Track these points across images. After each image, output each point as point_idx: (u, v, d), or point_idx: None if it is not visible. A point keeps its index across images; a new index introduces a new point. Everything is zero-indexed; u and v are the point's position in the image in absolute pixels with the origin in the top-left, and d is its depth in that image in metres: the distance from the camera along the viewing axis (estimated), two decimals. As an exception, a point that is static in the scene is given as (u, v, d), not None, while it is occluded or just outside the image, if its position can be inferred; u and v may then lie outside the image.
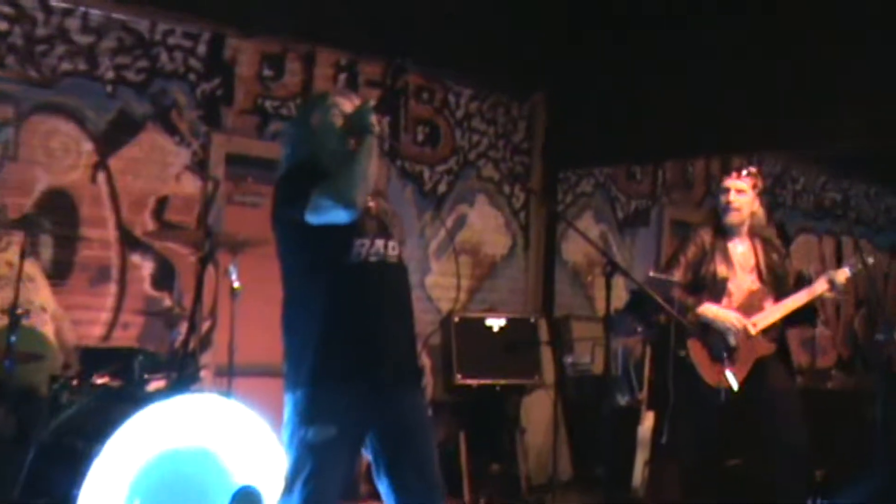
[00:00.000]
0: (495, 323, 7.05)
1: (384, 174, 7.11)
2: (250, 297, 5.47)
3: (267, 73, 6.78)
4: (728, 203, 5.37)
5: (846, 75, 6.41)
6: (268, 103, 6.77)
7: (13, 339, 4.27)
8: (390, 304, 3.52)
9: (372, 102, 3.57)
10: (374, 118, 3.47)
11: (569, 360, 7.44)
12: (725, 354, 5.23)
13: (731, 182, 5.40)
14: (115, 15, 6.12)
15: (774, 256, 5.44)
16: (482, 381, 6.86)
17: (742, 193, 5.38)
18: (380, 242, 3.49)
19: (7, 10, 5.76)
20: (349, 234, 3.42)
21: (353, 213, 3.34)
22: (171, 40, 6.37)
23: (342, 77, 7.11)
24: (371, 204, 3.53)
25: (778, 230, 9.92)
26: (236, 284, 5.29)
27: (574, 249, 8.53)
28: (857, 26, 6.36)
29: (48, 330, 4.98)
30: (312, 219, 3.35)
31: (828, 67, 6.48)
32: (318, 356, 3.42)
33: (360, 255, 3.44)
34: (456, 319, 6.95)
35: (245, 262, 5.45)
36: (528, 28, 7.62)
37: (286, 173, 3.55)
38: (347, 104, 3.59)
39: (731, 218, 5.37)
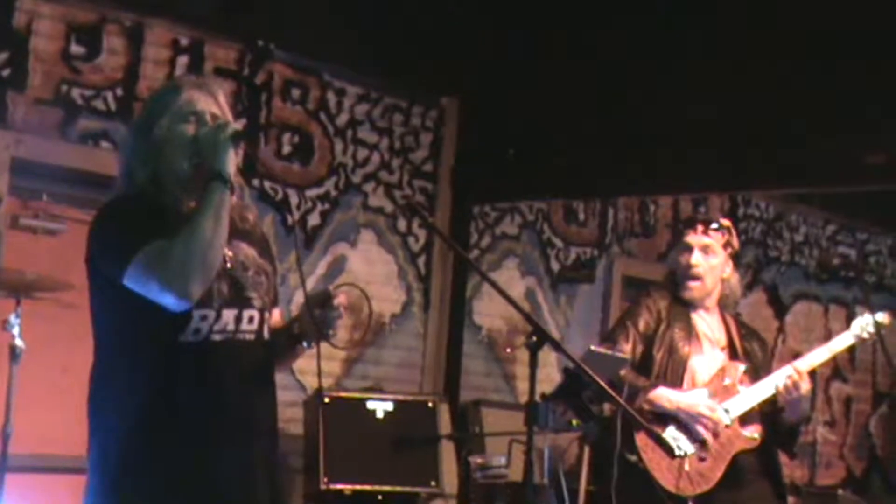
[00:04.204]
0: (379, 407, 7.07)
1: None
2: (37, 362, 5.35)
3: (76, 49, 6.64)
4: (689, 268, 5.48)
5: (866, 92, 6.53)
6: (76, 91, 6.63)
7: None
8: (237, 397, 3.48)
9: (235, 127, 3.46)
10: (231, 157, 3.38)
11: (477, 461, 7.41)
12: (693, 449, 5.36)
13: (695, 238, 5.50)
14: None
15: (754, 345, 5.59)
16: (358, 487, 6.84)
17: (709, 255, 5.48)
18: (229, 314, 3.46)
19: None
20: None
21: (185, 305, 3.30)
22: (-63, -3, 6.22)
23: (182, 61, 7.02)
24: (226, 252, 3.45)
25: (769, 296, 10.09)
26: (18, 342, 5.17)
27: (490, 311, 8.53)
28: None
29: None
30: (132, 287, 3.30)
31: (840, 82, 6.60)
32: (124, 463, 3.36)
33: (200, 333, 3.41)
34: (325, 400, 6.91)
35: (33, 310, 5.36)
36: (440, 9, 7.63)
37: (110, 207, 3.48)
38: (211, 106, 3.50)
39: (691, 292, 5.50)
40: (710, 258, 5.52)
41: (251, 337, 3.50)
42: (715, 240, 5.52)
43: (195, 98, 3.51)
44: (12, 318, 5.24)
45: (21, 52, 6.44)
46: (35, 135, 6.47)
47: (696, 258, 5.50)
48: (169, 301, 3.26)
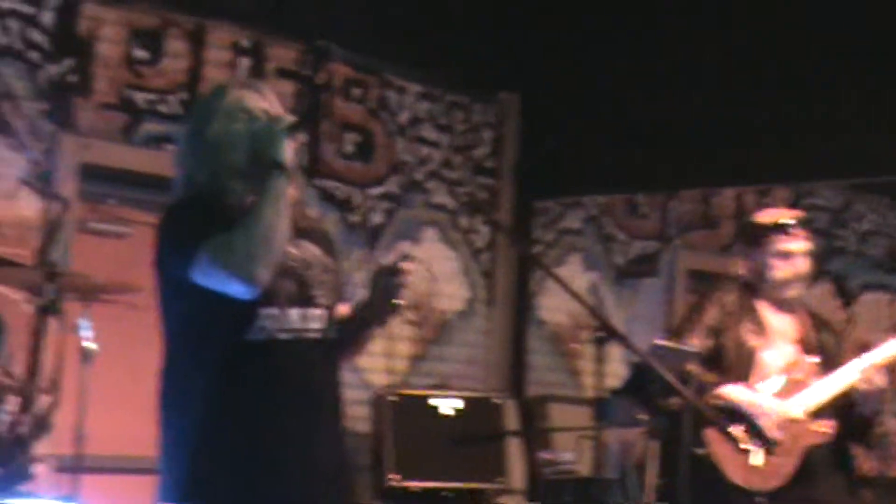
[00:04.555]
0: (445, 404, 7.07)
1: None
2: (108, 364, 5.39)
3: (139, 54, 6.71)
4: (796, 275, 5.45)
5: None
6: (140, 95, 6.70)
7: None
8: (305, 395, 3.49)
9: (288, 118, 3.50)
10: (288, 147, 3.42)
11: (545, 456, 7.42)
12: (761, 448, 5.31)
13: (796, 244, 5.48)
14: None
15: (827, 337, 5.54)
16: (426, 485, 6.85)
17: (807, 256, 5.48)
18: (295, 313, 3.47)
19: None
20: (252, 302, 3.40)
21: (252, 291, 3.33)
22: (4, 3, 6.26)
23: (243, 63, 7.07)
24: (290, 251, 3.48)
25: (835, 287, 10.01)
26: (89, 345, 5.19)
27: (554, 306, 8.52)
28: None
29: None
30: (200, 282, 3.33)
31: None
32: (194, 462, 3.39)
33: (266, 331, 3.43)
34: (392, 398, 6.92)
35: (103, 313, 5.37)
36: (499, 5, 7.62)
37: (173, 209, 3.53)
38: (260, 101, 3.54)
39: (793, 289, 5.46)
40: (807, 259, 5.52)
41: (317, 335, 3.51)
42: (807, 240, 5.52)
43: (243, 96, 3.57)
44: (83, 322, 5.25)
45: (86, 58, 6.52)
46: (101, 139, 6.56)
47: (802, 264, 5.49)
48: (237, 289, 3.30)
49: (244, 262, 3.29)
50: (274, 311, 3.43)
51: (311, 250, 3.59)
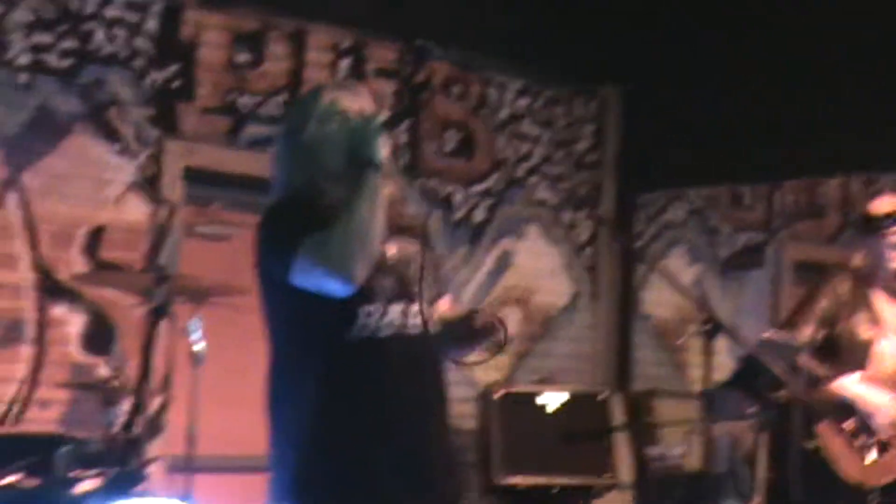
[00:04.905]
0: (551, 400, 7.04)
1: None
2: (218, 365, 5.44)
3: (241, 57, 6.79)
4: None
5: None
6: (242, 99, 6.78)
7: None
8: (410, 392, 3.48)
9: (381, 117, 3.53)
10: (381, 144, 3.44)
11: (654, 451, 7.39)
12: (873, 447, 5.23)
13: None
14: (30, -23, 6.16)
15: None
16: (533, 481, 6.86)
17: None
18: (396, 308, 3.46)
19: None
20: (352, 299, 3.38)
21: (351, 288, 3.31)
22: (110, 12, 6.36)
23: (343, 64, 7.12)
24: (388, 248, 3.49)
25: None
26: (199, 347, 5.26)
27: (659, 300, 8.50)
28: None
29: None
30: (300, 283, 3.34)
31: None
32: (305, 461, 3.39)
33: (368, 328, 3.42)
34: (497, 395, 6.93)
35: (211, 315, 5.43)
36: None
37: (272, 211, 3.53)
38: (355, 102, 3.56)
39: None
40: None
41: (418, 331, 3.49)
42: None
43: (338, 97, 3.56)
44: (192, 324, 5.31)
45: (189, 64, 6.61)
46: (205, 143, 6.64)
47: None
48: (335, 287, 3.29)
49: (340, 260, 3.28)
50: (375, 308, 3.42)
51: (410, 247, 3.57)
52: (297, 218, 3.40)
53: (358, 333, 3.39)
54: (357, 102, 3.55)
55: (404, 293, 3.48)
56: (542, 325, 7.95)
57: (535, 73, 7.92)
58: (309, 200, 3.46)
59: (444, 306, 3.66)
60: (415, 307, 3.47)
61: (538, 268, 7.94)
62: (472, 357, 3.61)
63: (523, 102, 7.94)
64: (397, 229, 3.56)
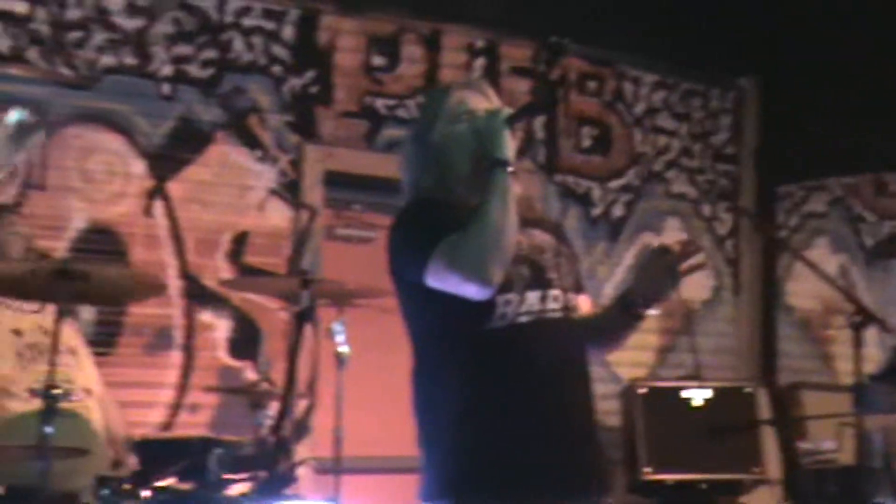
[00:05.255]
0: (696, 395, 6.99)
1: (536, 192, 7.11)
2: (362, 366, 5.48)
3: (377, 61, 6.85)
4: None
5: None
6: (379, 102, 6.85)
7: (48, 429, 4.31)
8: (554, 376, 3.45)
9: (505, 111, 3.51)
10: (508, 141, 3.43)
11: (806, 445, 7.29)
12: None
13: None
14: (170, -11, 6.28)
15: None
16: (680, 477, 6.80)
17: None
18: (533, 296, 3.44)
19: (27, -15, 5.94)
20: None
21: (488, 291, 3.31)
22: (248, 21, 6.46)
23: (478, 64, 7.15)
24: (520, 239, 3.49)
25: None
26: (343, 349, 5.31)
27: (803, 291, 8.38)
28: None
29: (94, 417, 5.04)
30: (435, 285, 3.35)
31: None
32: (455, 458, 3.39)
33: (507, 317, 3.40)
34: (642, 391, 6.90)
35: (354, 317, 5.50)
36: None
37: (403, 215, 3.54)
38: (482, 102, 3.56)
39: None
40: None
41: (558, 315, 3.46)
42: None
43: (465, 97, 3.55)
44: (336, 326, 5.35)
45: (326, 69, 6.69)
46: (344, 147, 6.70)
47: None
48: (471, 291, 3.29)
49: (476, 264, 3.27)
50: (512, 296, 3.40)
51: (541, 237, 3.56)
52: (429, 221, 3.40)
53: (497, 323, 3.38)
54: (485, 102, 3.54)
55: (540, 281, 3.46)
56: (684, 320, 7.88)
57: (671, 66, 7.87)
58: (439, 202, 3.46)
59: (585, 306, 3.65)
60: (553, 292, 3.46)
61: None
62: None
63: (660, 96, 7.90)
64: (527, 222, 3.54)
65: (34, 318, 5.01)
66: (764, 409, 7.17)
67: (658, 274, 3.48)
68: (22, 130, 3.71)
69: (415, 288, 3.40)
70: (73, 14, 6.00)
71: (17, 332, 4.97)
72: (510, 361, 3.40)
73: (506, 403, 3.38)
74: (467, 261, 3.27)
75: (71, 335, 5.10)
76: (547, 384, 3.41)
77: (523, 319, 3.41)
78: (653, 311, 3.55)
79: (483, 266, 3.27)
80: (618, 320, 3.58)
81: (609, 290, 7.47)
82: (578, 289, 3.59)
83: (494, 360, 3.39)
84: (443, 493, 3.40)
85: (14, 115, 3.74)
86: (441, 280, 3.31)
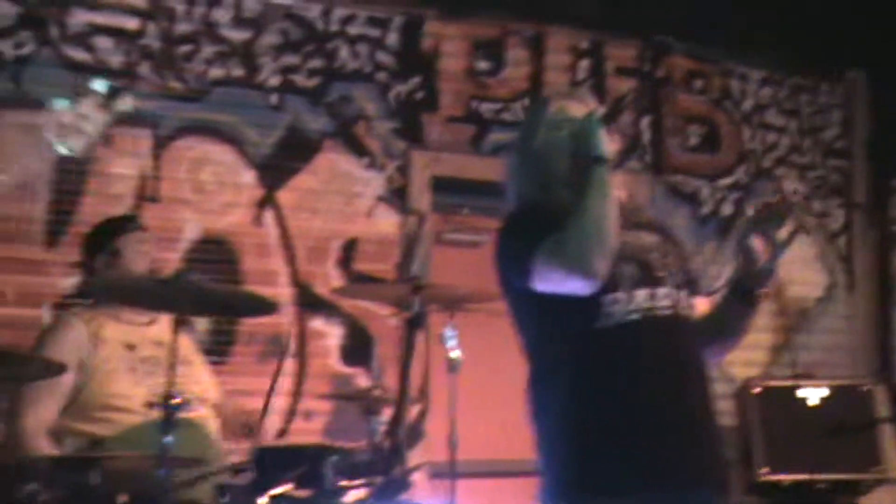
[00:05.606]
0: (812, 394, 6.94)
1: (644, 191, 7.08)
2: (474, 371, 5.49)
3: (482, 65, 6.87)
4: None
5: None
6: (484, 106, 6.86)
7: (167, 439, 4.36)
8: (666, 373, 3.46)
9: (599, 111, 3.54)
10: (604, 138, 3.44)
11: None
12: None
13: None
14: (276, 0, 6.32)
15: None
16: (797, 477, 6.75)
17: None
18: (642, 294, 3.46)
19: (138, 1, 6.02)
20: (595, 291, 3.39)
21: (593, 284, 3.33)
22: (353, 30, 6.52)
23: (583, 65, 7.13)
24: (626, 239, 3.48)
25: None
26: (455, 354, 5.32)
27: (919, 287, 8.23)
28: None
29: (210, 427, 5.09)
30: (542, 288, 3.37)
31: None
32: (572, 460, 3.40)
33: (616, 316, 3.43)
34: (756, 390, 6.84)
35: (465, 321, 5.51)
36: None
37: (506, 225, 3.59)
38: (581, 109, 3.57)
39: None
40: None
41: (668, 312, 3.47)
42: None
43: (565, 106, 3.60)
44: (448, 331, 5.36)
45: (431, 74, 6.73)
46: (450, 152, 6.72)
47: None
48: (576, 285, 3.31)
49: (579, 257, 3.29)
50: (619, 295, 3.42)
51: (648, 238, 3.59)
52: (531, 226, 3.44)
53: (606, 322, 3.41)
54: (584, 109, 3.57)
55: (648, 279, 3.48)
56: (797, 318, 7.80)
57: (778, 61, 7.79)
58: (541, 207, 3.50)
59: (702, 306, 3.63)
60: (662, 290, 3.48)
61: (792, 259, 7.79)
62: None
63: (767, 92, 7.82)
64: (635, 225, 3.58)
65: (146, 330, 5.06)
66: (882, 407, 7.08)
67: (760, 247, 3.48)
68: (110, 98, 3.76)
69: (523, 295, 3.43)
70: (182, 28, 6.10)
71: (130, 347, 5.01)
72: (621, 360, 3.42)
73: (619, 402, 3.39)
74: (569, 255, 3.30)
75: (185, 345, 5.16)
76: (659, 381, 3.43)
77: (632, 318, 3.43)
78: (767, 289, 3.54)
79: (585, 258, 3.29)
80: (736, 309, 3.59)
81: (719, 289, 7.41)
82: (691, 288, 3.59)
83: (605, 359, 3.41)
84: (562, 497, 3.42)
85: (100, 84, 3.80)
86: (546, 280, 3.34)
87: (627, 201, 3.59)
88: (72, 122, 3.72)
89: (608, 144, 3.43)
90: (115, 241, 5.07)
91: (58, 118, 3.70)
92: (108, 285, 5.00)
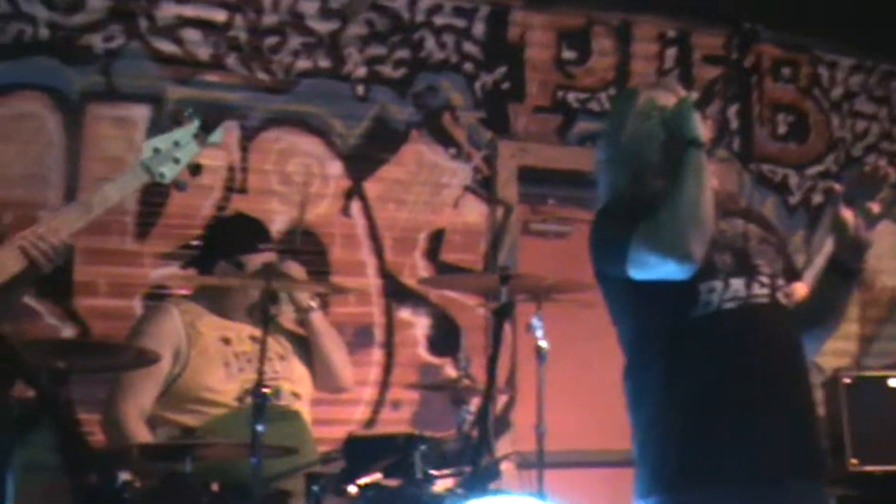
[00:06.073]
0: (904, 385, 6.85)
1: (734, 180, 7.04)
2: (561, 361, 5.50)
3: (567, 54, 6.86)
4: None
5: None
6: (571, 96, 6.85)
7: (260, 428, 4.42)
8: (765, 361, 3.44)
9: (692, 96, 3.52)
10: (698, 121, 3.43)
11: None
12: None
13: None
14: (362, -9, 6.38)
15: None
16: (888, 468, 6.68)
17: None
18: (738, 282, 3.45)
19: (224, -7, 6.10)
20: (690, 279, 3.39)
21: (690, 267, 3.32)
22: (439, 20, 6.53)
23: (670, 54, 7.11)
24: (722, 227, 3.48)
25: None
26: (543, 343, 5.33)
27: None
28: None
29: (304, 419, 5.14)
30: (638, 275, 3.37)
31: None
32: (671, 450, 3.39)
33: (712, 304, 3.42)
34: (846, 380, 6.78)
35: (552, 311, 5.53)
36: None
37: (600, 215, 3.60)
38: (670, 98, 3.57)
39: None
40: None
41: (766, 300, 3.46)
42: None
43: (654, 96, 3.59)
44: (535, 321, 5.39)
45: (517, 64, 6.72)
46: (536, 142, 6.72)
47: None
48: (673, 269, 3.31)
49: (675, 240, 3.29)
50: (715, 283, 3.41)
51: (745, 226, 3.57)
52: (625, 214, 3.43)
53: (702, 311, 3.40)
54: (673, 99, 3.56)
55: (745, 267, 3.47)
56: (887, 308, 7.72)
57: (867, 47, 7.71)
58: (634, 197, 3.50)
59: (801, 291, 3.61)
60: (759, 278, 3.46)
61: (881, 249, 7.70)
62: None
63: (857, 79, 7.74)
64: (732, 213, 3.57)
65: (243, 326, 5.10)
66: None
67: (853, 219, 3.46)
68: (204, 126, 3.82)
69: (619, 285, 3.43)
70: (269, 20, 6.14)
71: (226, 341, 5.07)
72: (718, 349, 3.40)
73: (716, 391, 3.38)
74: (663, 237, 3.30)
75: (281, 341, 5.21)
76: (758, 370, 3.40)
77: (729, 306, 3.42)
78: (863, 263, 3.51)
79: (681, 240, 3.29)
80: (836, 287, 3.54)
81: (808, 279, 7.35)
82: (791, 275, 3.57)
83: (702, 347, 3.40)
84: (658, 488, 3.41)
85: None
86: (642, 265, 3.34)
87: (721, 189, 3.57)
88: (167, 149, 3.78)
89: (702, 128, 3.43)
90: (242, 256, 5.12)
91: (153, 144, 3.75)
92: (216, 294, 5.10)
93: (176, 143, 3.83)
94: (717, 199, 3.41)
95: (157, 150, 3.79)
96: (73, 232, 3.68)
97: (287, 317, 5.35)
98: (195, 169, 3.98)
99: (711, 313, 3.40)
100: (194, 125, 3.82)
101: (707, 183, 3.36)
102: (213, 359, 4.98)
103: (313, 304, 5.23)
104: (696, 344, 3.41)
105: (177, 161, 3.84)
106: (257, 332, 4.76)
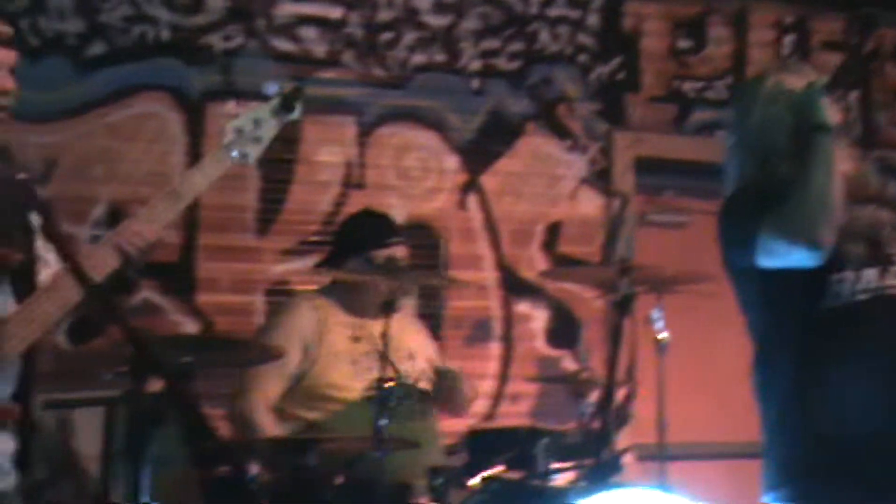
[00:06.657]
0: None
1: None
2: (681, 353, 5.49)
3: (683, 44, 6.84)
4: None
5: None
6: (687, 85, 6.83)
7: (383, 422, 4.46)
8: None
9: (821, 81, 3.48)
10: (827, 106, 3.40)
11: None
12: None
13: None
14: (476, -15, 6.40)
15: None
16: None
17: None
18: (870, 273, 3.39)
19: (341, -9, 6.15)
20: (820, 270, 3.34)
21: (819, 253, 3.27)
22: (552, 12, 6.54)
23: (788, 41, 7.05)
24: (854, 215, 3.44)
25: None
26: (663, 335, 5.33)
27: None
28: None
29: (428, 415, 5.15)
30: (766, 263, 3.34)
31: None
32: (798, 444, 3.37)
33: (842, 296, 3.37)
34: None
35: (672, 303, 5.50)
36: None
37: (727, 204, 3.56)
38: (799, 81, 3.53)
39: None
40: None
41: None
42: None
43: (782, 79, 3.54)
44: (655, 313, 5.37)
45: (632, 55, 6.71)
46: (652, 132, 6.71)
47: None
48: (801, 256, 3.26)
49: (803, 226, 3.25)
50: (847, 274, 3.36)
51: (879, 213, 3.49)
52: (753, 201, 3.40)
53: (832, 302, 3.36)
54: (802, 81, 3.50)
55: (879, 257, 3.41)
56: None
57: None
58: (762, 183, 3.46)
59: None
60: (894, 269, 3.40)
61: None
62: None
63: (979, 62, 7.62)
64: (864, 199, 3.50)
65: (373, 324, 5.00)
66: None
67: None
68: (283, 102, 3.80)
69: (748, 274, 3.40)
70: (384, 16, 6.19)
71: (355, 339, 5.09)
72: (850, 341, 3.35)
73: (846, 385, 3.32)
74: (791, 224, 3.27)
75: (412, 339, 5.25)
76: (891, 364, 3.34)
77: (861, 297, 3.36)
78: None
79: (809, 226, 3.25)
80: None
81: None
82: None
83: (833, 339, 3.35)
84: (786, 482, 3.38)
85: (273, 88, 3.85)
86: (770, 252, 3.31)
87: (856, 174, 3.51)
88: (249, 129, 3.77)
89: (831, 114, 3.38)
90: (372, 252, 5.13)
91: (235, 125, 3.74)
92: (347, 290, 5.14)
93: (256, 122, 3.80)
94: (848, 184, 3.36)
95: (240, 132, 3.78)
96: (166, 224, 3.70)
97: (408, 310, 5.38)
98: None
99: (842, 305, 3.35)
100: (274, 102, 3.82)
101: (835, 169, 3.31)
102: (341, 356, 5.01)
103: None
104: (826, 336, 3.35)
105: (258, 140, 3.81)
106: (391, 330, 4.73)
